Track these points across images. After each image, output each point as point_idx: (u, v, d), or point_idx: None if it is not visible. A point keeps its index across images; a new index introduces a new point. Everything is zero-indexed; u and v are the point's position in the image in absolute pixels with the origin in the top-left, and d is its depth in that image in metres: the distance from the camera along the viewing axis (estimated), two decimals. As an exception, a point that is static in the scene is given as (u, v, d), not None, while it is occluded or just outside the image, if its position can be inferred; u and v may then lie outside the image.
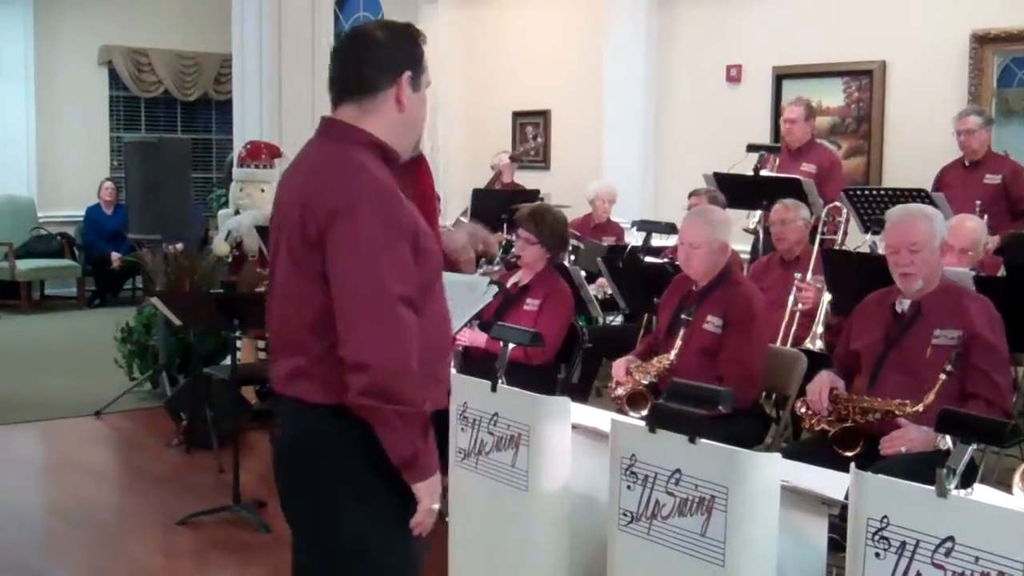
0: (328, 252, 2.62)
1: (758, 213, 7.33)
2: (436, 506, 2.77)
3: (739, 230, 7.05)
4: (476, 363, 5.32)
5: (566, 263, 7.04)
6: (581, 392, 6.16)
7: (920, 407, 4.04)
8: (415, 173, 6.48)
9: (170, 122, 14.30)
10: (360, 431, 2.64)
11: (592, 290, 6.86)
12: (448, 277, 4.06)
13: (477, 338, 5.49)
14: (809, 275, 5.82)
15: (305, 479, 2.79)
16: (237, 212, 8.03)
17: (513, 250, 5.83)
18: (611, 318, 7.56)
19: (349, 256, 2.60)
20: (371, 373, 2.57)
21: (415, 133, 2.94)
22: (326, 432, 2.72)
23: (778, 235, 6.15)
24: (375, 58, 2.79)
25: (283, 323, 2.79)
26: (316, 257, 2.65)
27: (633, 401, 4.93)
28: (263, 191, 8.00)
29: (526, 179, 10.28)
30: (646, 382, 4.92)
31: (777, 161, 7.45)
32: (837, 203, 6.84)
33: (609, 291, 6.79)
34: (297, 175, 2.83)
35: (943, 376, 4.02)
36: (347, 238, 2.60)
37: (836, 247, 6.53)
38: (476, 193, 8.98)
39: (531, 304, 5.51)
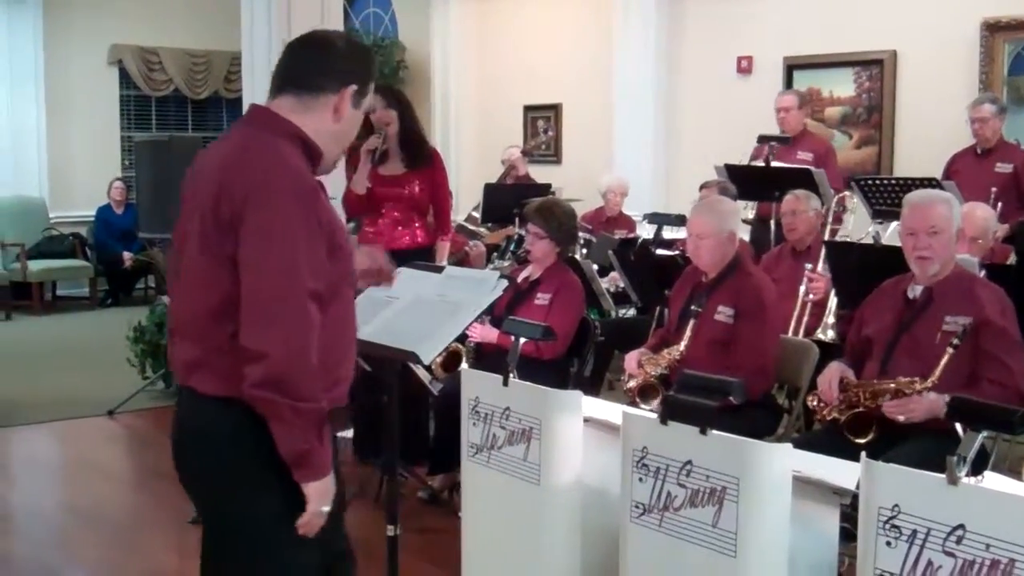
0: (241, 237, 2.59)
1: (754, 204, 7.35)
2: (325, 508, 2.71)
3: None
4: (489, 358, 5.33)
5: (578, 256, 7.06)
6: (593, 385, 6.16)
7: (929, 383, 4.04)
8: (431, 170, 6.51)
9: (180, 121, 14.33)
10: (256, 425, 2.62)
11: (604, 283, 6.85)
12: (459, 272, 4.09)
13: (489, 334, 5.49)
14: (820, 265, 5.80)
15: (201, 473, 2.78)
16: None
17: (524, 245, 5.82)
18: (623, 311, 7.55)
19: (262, 243, 2.58)
20: (269, 364, 2.53)
21: (341, 147, 2.93)
22: (221, 425, 2.70)
23: (789, 226, 6.15)
24: (329, 62, 2.81)
25: (186, 307, 2.75)
26: (228, 241, 2.61)
27: (644, 393, 4.93)
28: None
29: (538, 173, 10.27)
30: (657, 374, 4.92)
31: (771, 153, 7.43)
32: (847, 192, 6.84)
33: (621, 284, 6.78)
34: (216, 157, 2.78)
35: (950, 350, 4.02)
36: (263, 225, 2.58)
37: (837, 238, 6.51)
38: (488, 188, 8.96)
39: (542, 298, 5.51)
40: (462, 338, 5.43)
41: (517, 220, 7.46)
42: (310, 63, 2.82)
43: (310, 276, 2.60)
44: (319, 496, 2.68)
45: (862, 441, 4.15)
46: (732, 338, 4.83)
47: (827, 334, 5.53)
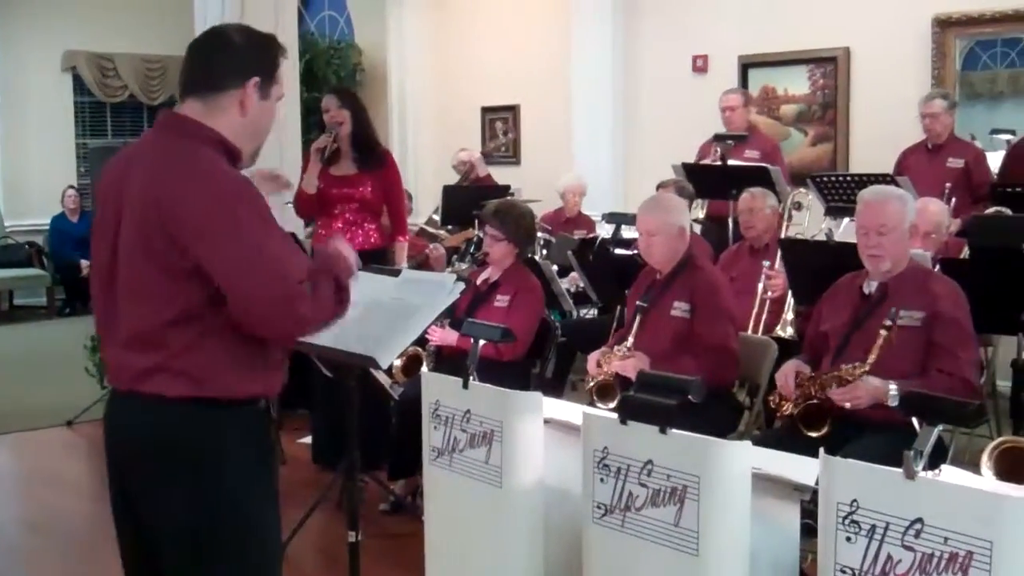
0: (207, 249, 2.64)
1: (704, 203, 7.40)
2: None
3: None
4: (449, 361, 5.32)
5: (537, 258, 7.06)
6: (556, 386, 6.18)
7: (867, 367, 4.12)
8: (383, 171, 6.49)
9: (137, 127, 14.22)
10: (221, 421, 2.74)
11: (565, 284, 6.86)
12: (415, 275, 4.08)
13: (448, 336, 5.49)
14: (778, 263, 5.84)
15: (173, 474, 2.77)
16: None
17: (482, 247, 5.82)
18: (584, 311, 7.57)
19: (235, 246, 2.64)
20: (304, 332, 2.77)
21: (257, 140, 2.93)
22: (188, 426, 2.74)
23: (746, 224, 6.19)
24: (226, 58, 2.82)
25: (137, 319, 2.74)
26: (183, 256, 2.65)
27: (602, 392, 4.94)
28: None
29: (497, 174, 10.23)
30: (612, 373, 4.93)
31: (718, 152, 7.47)
32: (801, 189, 6.90)
33: (581, 284, 6.79)
34: (141, 167, 2.77)
35: (883, 332, 4.08)
36: (226, 231, 2.64)
37: (791, 234, 6.54)
38: (447, 190, 8.95)
39: (501, 300, 5.51)
40: (422, 342, 5.43)
41: (477, 222, 7.46)
42: (209, 62, 2.83)
43: (295, 266, 2.73)
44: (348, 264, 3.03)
45: (816, 435, 4.21)
46: (691, 332, 4.86)
47: (786, 331, 5.57)
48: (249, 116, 2.83)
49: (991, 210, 6.02)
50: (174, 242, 2.65)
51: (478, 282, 5.60)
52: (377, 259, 6.08)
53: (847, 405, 4.18)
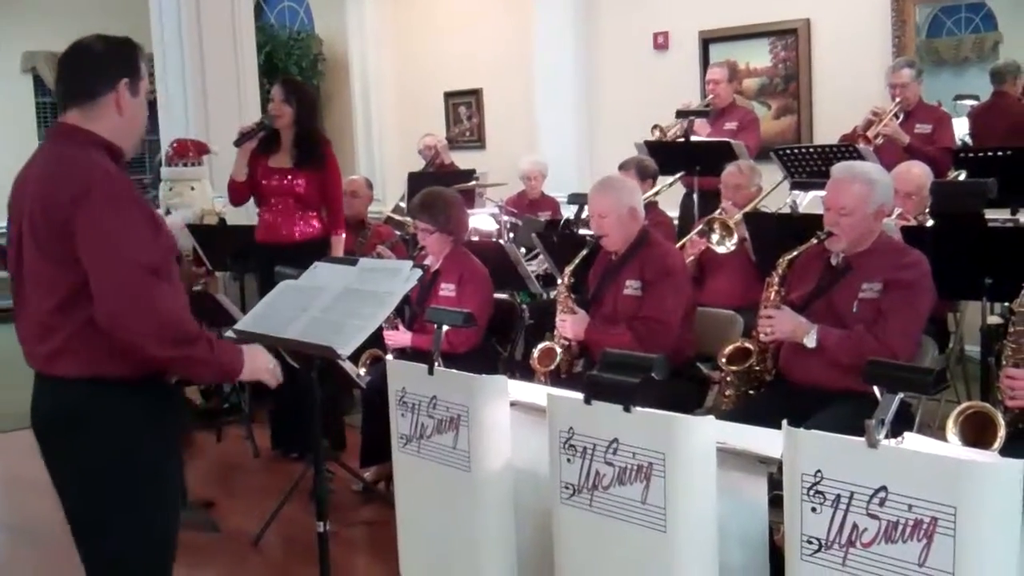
0: (78, 238, 2.87)
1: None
2: (270, 366, 3.27)
3: (665, 196, 7.05)
4: (410, 357, 5.29)
5: (503, 241, 7.04)
6: (525, 369, 6.16)
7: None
8: (321, 172, 6.44)
9: (100, 125, 14.12)
10: (120, 398, 3.00)
11: (533, 266, 6.84)
12: (372, 263, 4.06)
13: (401, 338, 5.47)
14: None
15: (72, 450, 3.05)
16: (168, 212, 7.93)
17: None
18: (552, 293, 7.54)
19: (98, 238, 2.87)
20: (150, 337, 2.88)
21: (137, 133, 3.19)
22: (87, 403, 3.00)
23: (730, 199, 6.10)
24: (94, 67, 3.09)
25: (34, 307, 3.02)
26: (64, 245, 2.89)
27: (542, 358, 4.98)
28: (193, 189, 7.92)
29: (462, 159, 10.22)
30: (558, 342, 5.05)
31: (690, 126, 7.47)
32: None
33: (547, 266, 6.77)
34: (32, 175, 3.07)
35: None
36: (93, 223, 2.87)
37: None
38: (412, 177, 8.91)
39: (447, 288, 5.48)
40: (382, 346, 5.43)
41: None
42: (78, 75, 3.10)
43: (143, 253, 2.90)
44: (255, 372, 3.21)
45: (735, 368, 4.50)
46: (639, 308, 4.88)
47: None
48: (126, 115, 3.08)
49: (951, 175, 6.02)
50: (54, 234, 2.91)
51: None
52: (318, 248, 6.04)
53: (764, 336, 4.34)
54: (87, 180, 2.91)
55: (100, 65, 3.09)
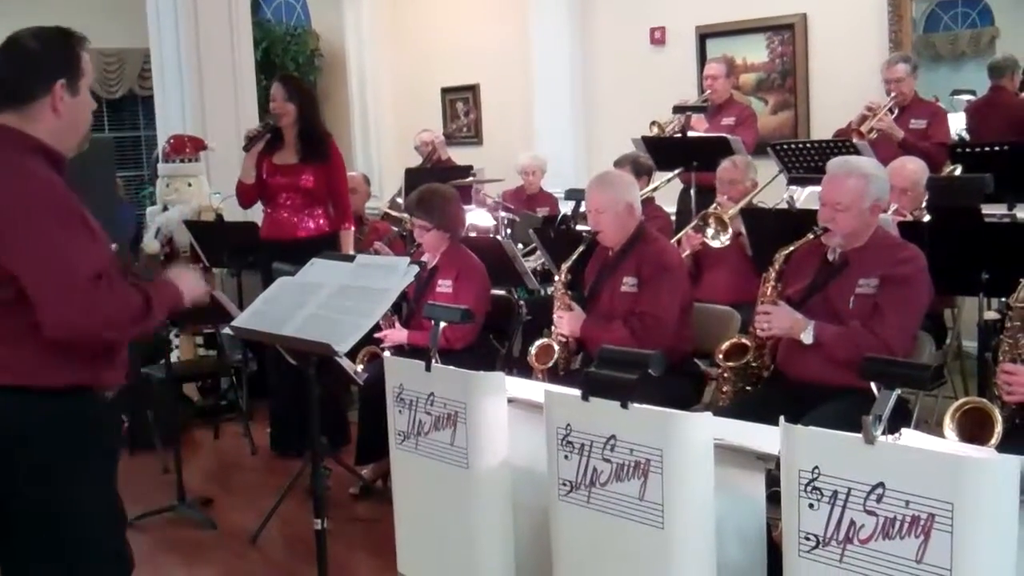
0: (10, 249, 2.77)
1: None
2: (199, 285, 3.26)
3: (663, 191, 7.06)
4: (405, 355, 5.29)
5: (500, 237, 7.03)
6: (522, 365, 6.15)
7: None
8: (327, 165, 6.45)
9: (97, 122, 14.01)
10: (44, 410, 2.86)
11: (530, 262, 6.83)
12: (369, 259, 4.06)
13: (398, 335, 5.47)
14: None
15: (12, 462, 2.88)
16: (165, 208, 7.92)
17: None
18: (550, 289, 7.53)
19: (33, 247, 2.77)
20: (96, 337, 2.85)
21: (78, 134, 3.05)
22: (10, 413, 2.86)
23: (725, 194, 6.09)
24: (28, 68, 2.95)
25: None
26: None
27: (540, 356, 4.98)
28: (190, 185, 7.89)
29: (459, 155, 10.22)
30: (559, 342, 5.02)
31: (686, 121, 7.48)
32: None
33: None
34: None
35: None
36: (27, 233, 2.77)
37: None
38: (409, 172, 8.91)
39: (444, 285, 5.47)
40: (378, 343, 5.44)
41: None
42: (11, 75, 2.95)
43: (87, 263, 2.82)
44: (192, 298, 3.21)
45: (733, 364, 4.50)
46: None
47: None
48: (65, 117, 2.95)
49: (947, 170, 6.02)
50: None
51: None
52: (327, 244, 6.09)
53: (761, 331, 4.35)
54: (23, 193, 2.82)
55: (35, 65, 2.96)
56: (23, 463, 2.89)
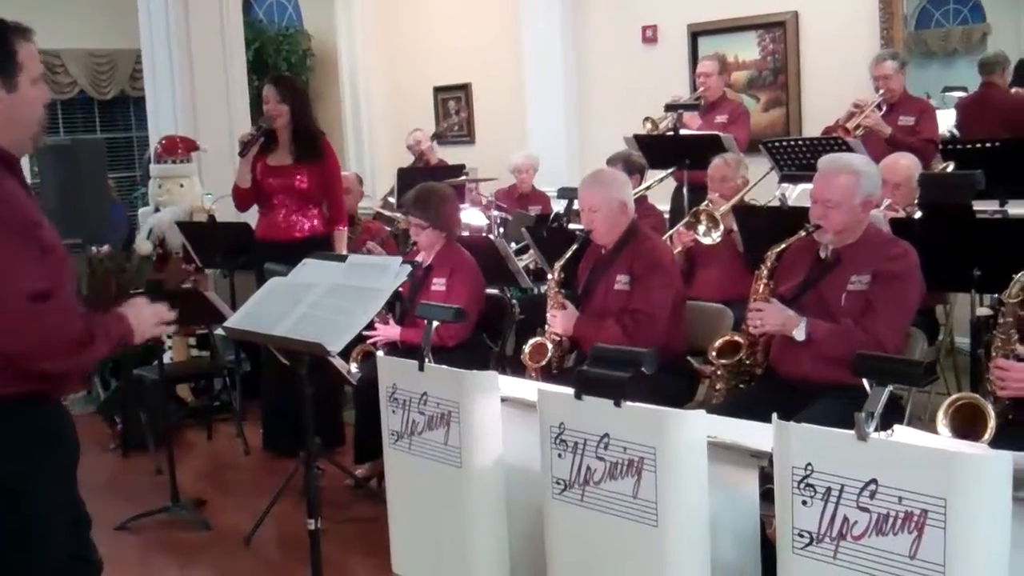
0: None
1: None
2: (155, 318, 3.05)
3: (656, 190, 7.06)
4: (401, 352, 5.29)
5: (493, 236, 7.03)
6: (516, 364, 6.15)
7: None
8: (321, 164, 6.45)
9: (89, 123, 14.09)
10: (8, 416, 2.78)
11: (524, 261, 6.82)
12: (361, 259, 4.05)
13: (391, 332, 5.46)
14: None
15: None
16: (157, 209, 7.91)
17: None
18: (543, 288, 7.53)
19: None
20: (36, 359, 2.74)
21: (26, 129, 2.92)
22: None
23: (716, 191, 6.09)
24: None
25: None
26: None
27: (533, 355, 4.97)
28: (182, 186, 7.89)
29: (452, 154, 10.22)
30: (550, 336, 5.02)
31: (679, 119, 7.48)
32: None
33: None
34: None
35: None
36: None
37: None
38: (401, 172, 8.91)
39: (438, 284, 5.47)
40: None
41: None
42: None
43: (27, 280, 2.71)
44: (144, 333, 3.03)
45: (725, 361, 4.51)
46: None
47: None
48: (5, 113, 2.82)
49: (939, 167, 6.03)
50: None
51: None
52: (323, 245, 6.08)
53: (753, 328, 4.36)
54: None
55: None
56: None
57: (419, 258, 5.56)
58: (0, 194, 2.75)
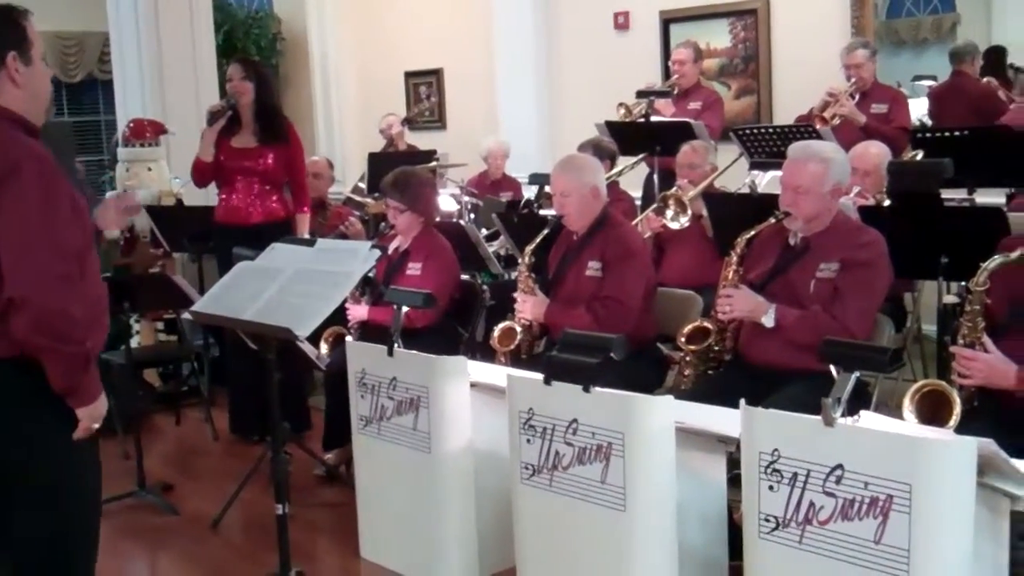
0: None
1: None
2: (95, 425, 3.06)
3: (628, 176, 7.07)
4: (374, 333, 5.27)
5: (463, 222, 7.02)
6: (486, 349, 6.15)
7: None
8: (286, 146, 6.42)
9: (56, 105, 13.95)
10: (29, 376, 2.91)
11: (494, 247, 6.82)
12: (330, 244, 4.04)
13: (359, 312, 5.45)
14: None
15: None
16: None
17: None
18: (514, 274, 7.52)
19: (20, 209, 2.83)
20: (32, 310, 2.83)
21: (42, 102, 3.15)
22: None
23: (685, 178, 6.09)
24: None
25: None
26: None
27: (502, 339, 4.98)
28: (150, 170, 7.84)
29: (423, 139, 10.19)
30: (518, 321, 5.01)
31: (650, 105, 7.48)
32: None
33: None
34: None
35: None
36: (16, 194, 2.83)
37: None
38: (372, 157, 8.87)
39: (414, 268, 5.45)
40: (344, 322, 5.42)
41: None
42: None
43: (65, 235, 2.91)
44: (90, 417, 3.03)
45: (694, 347, 4.50)
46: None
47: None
48: (25, 87, 3.02)
49: (908, 155, 6.05)
50: None
51: (390, 251, 5.54)
52: (281, 230, 6.02)
53: (722, 315, 4.37)
54: (17, 157, 2.87)
55: None
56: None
57: (396, 242, 5.54)
58: (46, 155, 2.92)
